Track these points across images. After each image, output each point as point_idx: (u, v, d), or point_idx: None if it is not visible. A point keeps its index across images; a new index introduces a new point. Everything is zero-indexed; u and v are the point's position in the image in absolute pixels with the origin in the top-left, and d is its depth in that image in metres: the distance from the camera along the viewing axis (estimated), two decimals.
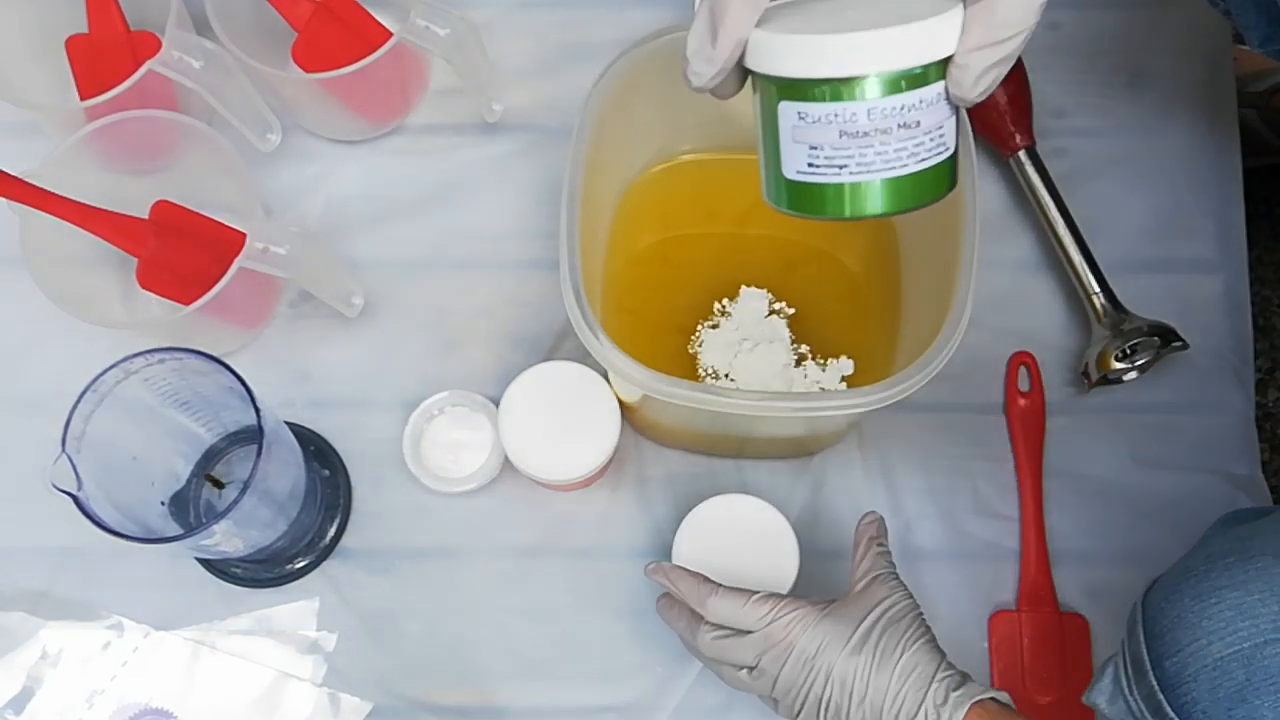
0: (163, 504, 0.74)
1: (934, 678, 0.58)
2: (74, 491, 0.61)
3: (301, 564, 0.77)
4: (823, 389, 0.75)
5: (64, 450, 0.61)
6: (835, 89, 0.44)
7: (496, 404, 0.74)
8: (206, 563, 0.78)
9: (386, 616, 0.77)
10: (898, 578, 0.63)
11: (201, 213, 0.77)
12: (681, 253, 0.80)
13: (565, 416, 0.71)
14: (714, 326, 0.77)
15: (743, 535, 0.71)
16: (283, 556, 0.77)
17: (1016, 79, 0.83)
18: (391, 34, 0.76)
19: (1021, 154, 0.82)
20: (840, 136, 0.45)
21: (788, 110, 0.46)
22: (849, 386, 0.75)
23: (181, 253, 0.76)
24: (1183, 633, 0.55)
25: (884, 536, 0.65)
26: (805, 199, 0.47)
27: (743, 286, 0.78)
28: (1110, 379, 0.78)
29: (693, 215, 0.80)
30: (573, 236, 0.63)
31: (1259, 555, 0.55)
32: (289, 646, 0.77)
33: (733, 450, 0.80)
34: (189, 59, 0.73)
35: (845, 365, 0.75)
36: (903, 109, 0.44)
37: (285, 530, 0.72)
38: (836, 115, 0.44)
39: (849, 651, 0.59)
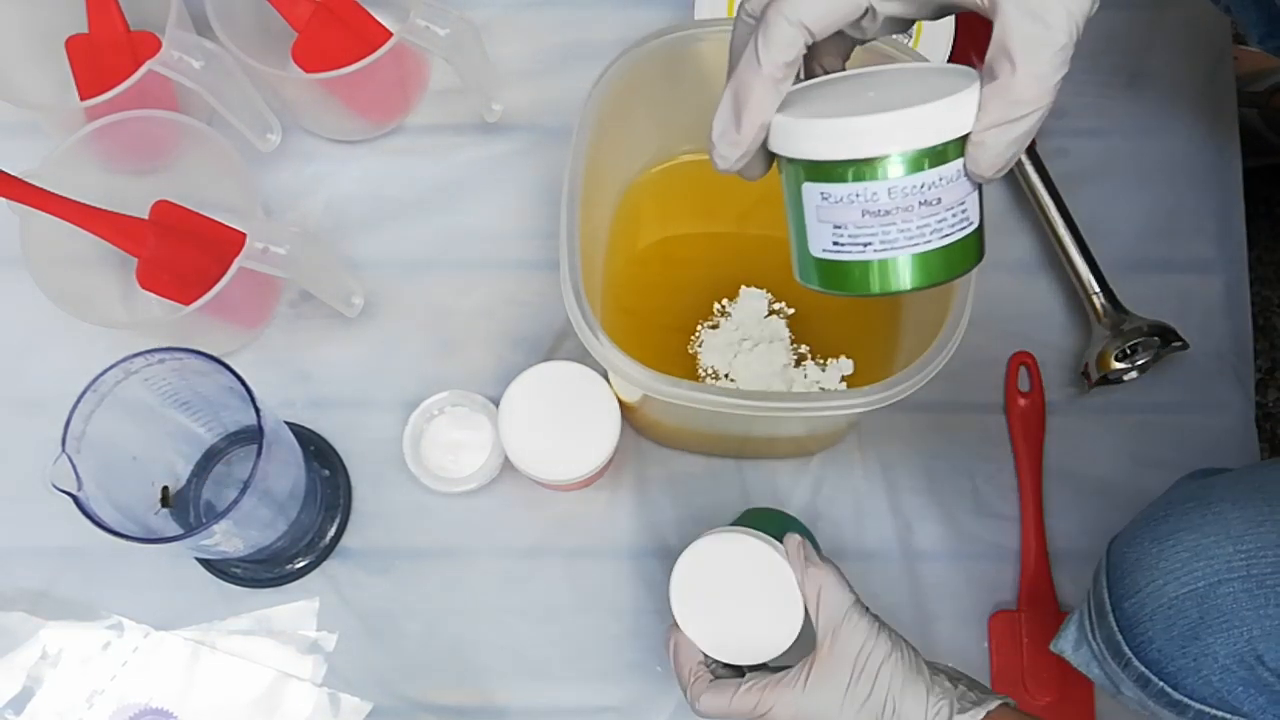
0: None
1: (925, 717, 0.57)
2: (74, 491, 0.61)
3: (301, 564, 0.77)
4: (823, 389, 0.75)
5: (64, 450, 0.61)
6: (856, 169, 0.45)
7: (496, 404, 0.74)
8: (206, 563, 0.78)
9: (386, 616, 0.77)
10: (857, 606, 0.59)
11: (201, 213, 0.77)
12: (681, 253, 0.80)
13: (565, 416, 0.71)
14: (714, 326, 0.77)
15: (744, 578, 0.63)
16: (283, 556, 0.77)
17: None
18: (391, 34, 0.76)
19: (1021, 154, 0.82)
20: (863, 215, 0.46)
21: (811, 191, 0.47)
22: (849, 386, 0.75)
23: (181, 253, 0.76)
24: (1141, 574, 0.57)
25: (816, 554, 0.62)
26: (834, 277, 0.48)
27: (743, 286, 0.78)
28: (1110, 379, 0.78)
29: (693, 215, 0.80)
30: (573, 236, 0.63)
31: (1217, 502, 0.57)
32: (289, 646, 0.77)
33: (733, 450, 0.80)
34: (189, 59, 0.73)
35: (845, 365, 0.75)
36: (923, 187, 0.45)
37: (285, 530, 0.72)
38: (858, 195, 0.45)
39: None
